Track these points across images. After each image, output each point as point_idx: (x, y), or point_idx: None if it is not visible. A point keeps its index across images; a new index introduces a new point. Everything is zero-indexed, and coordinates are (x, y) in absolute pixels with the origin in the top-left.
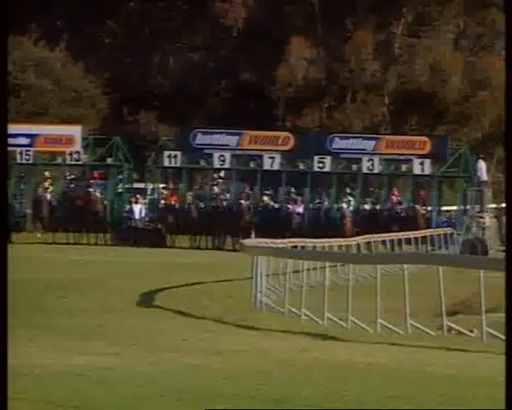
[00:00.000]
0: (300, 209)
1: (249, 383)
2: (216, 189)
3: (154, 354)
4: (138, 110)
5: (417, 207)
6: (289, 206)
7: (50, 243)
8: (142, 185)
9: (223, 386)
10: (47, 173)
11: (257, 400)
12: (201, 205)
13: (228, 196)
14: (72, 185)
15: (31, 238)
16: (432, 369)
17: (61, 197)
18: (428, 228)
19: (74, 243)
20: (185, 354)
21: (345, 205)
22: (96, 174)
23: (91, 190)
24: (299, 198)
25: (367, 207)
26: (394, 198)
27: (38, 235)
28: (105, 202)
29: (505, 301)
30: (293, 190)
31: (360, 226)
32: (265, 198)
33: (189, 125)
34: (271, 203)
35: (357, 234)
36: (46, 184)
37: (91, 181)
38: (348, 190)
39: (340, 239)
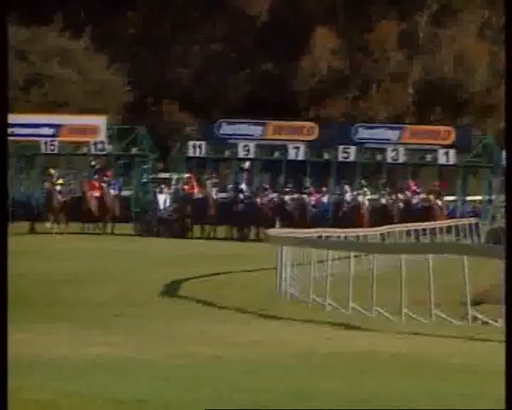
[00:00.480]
0: (313, 200)
1: (269, 374)
2: (241, 179)
3: (174, 344)
4: (161, 100)
5: (431, 197)
6: (311, 197)
7: (63, 234)
8: (166, 175)
9: (241, 377)
10: (52, 171)
11: (274, 392)
12: (224, 195)
13: (250, 187)
14: (95, 176)
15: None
16: (454, 358)
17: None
18: (446, 218)
19: (94, 234)
20: (206, 345)
21: (360, 197)
22: (108, 173)
23: (104, 185)
24: (313, 189)
25: (383, 199)
26: (411, 188)
27: (48, 225)
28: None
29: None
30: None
31: (375, 217)
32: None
33: (213, 116)
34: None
35: (373, 225)
36: (56, 181)
37: (105, 178)
38: (363, 182)
39: (365, 229)
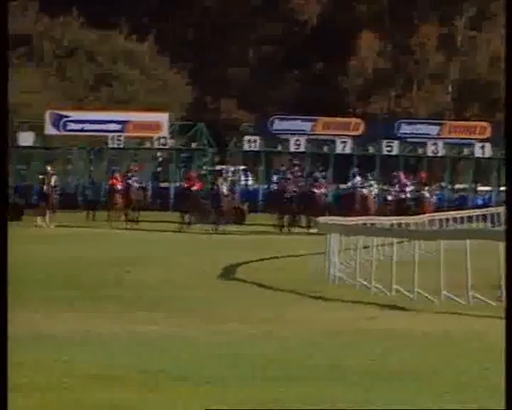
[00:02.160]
0: (323, 190)
1: (304, 351)
2: (292, 172)
3: (216, 324)
4: (220, 98)
5: (422, 190)
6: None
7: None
8: (223, 167)
9: (282, 353)
10: (49, 168)
11: (307, 366)
12: (276, 187)
13: (301, 180)
14: (159, 168)
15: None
16: (489, 337)
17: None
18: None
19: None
20: (246, 324)
21: (365, 190)
22: (132, 168)
23: (130, 181)
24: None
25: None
26: (402, 181)
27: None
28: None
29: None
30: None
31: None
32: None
33: (267, 112)
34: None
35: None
36: (52, 179)
37: (131, 173)
38: (369, 176)
39: (407, 217)
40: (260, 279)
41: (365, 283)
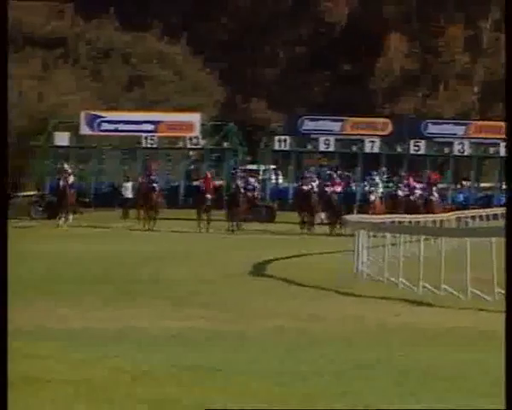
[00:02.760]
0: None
1: (334, 346)
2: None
3: (249, 319)
4: (250, 98)
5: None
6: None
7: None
8: (254, 167)
9: (312, 348)
10: (66, 166)
11: (336, 362)
12: (305, 188)
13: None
14: (191, 167)
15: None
16: None
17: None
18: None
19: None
20: (275, 319)
21: (372, 188)
22: (151, 167)
23: (154, 185)
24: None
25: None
26: (411, 184)
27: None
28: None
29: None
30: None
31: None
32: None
33: (297, 112)
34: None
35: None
36: (69, 179)
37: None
38: (375, 175)
39: (434, 215)
40: (289, 276)
41: (393, 279)
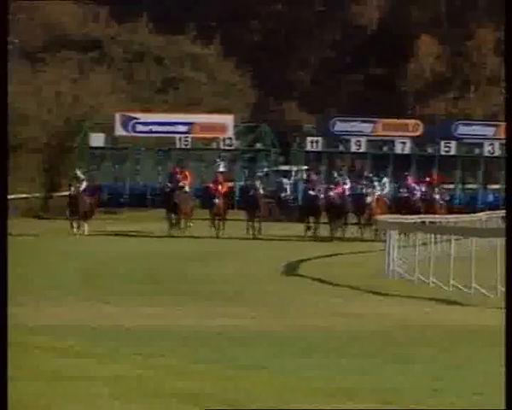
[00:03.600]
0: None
1: (370, 343)
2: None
3: (287, 317)
4: (282, 100)
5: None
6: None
7: None
8: (286, 168)
9: (352, 345)
10: (78, 172)
11: (376, 358)
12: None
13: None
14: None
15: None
16: None
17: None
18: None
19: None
20: (316, 318)
21: (369, 190)
22: (176, 169)
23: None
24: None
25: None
26: (411, 185)
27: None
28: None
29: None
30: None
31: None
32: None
33: (329, 114)
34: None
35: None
36: (82, 185)
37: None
38: (371, 175)
39: (464, 215)
40: (323, 275)
41: (423, 278)
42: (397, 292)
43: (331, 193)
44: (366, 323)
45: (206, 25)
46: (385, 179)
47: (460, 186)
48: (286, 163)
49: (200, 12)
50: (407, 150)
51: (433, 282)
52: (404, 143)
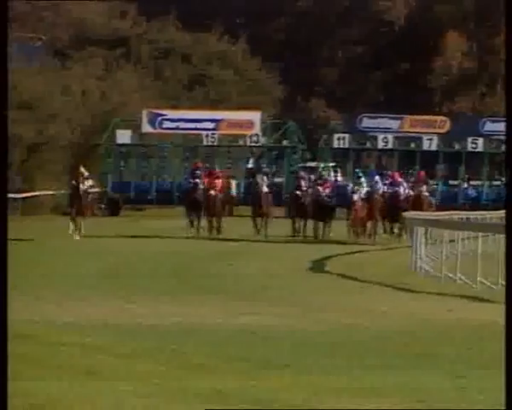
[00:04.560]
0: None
1: (396, 340)
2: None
3: (313, 313)
4: (309, 97)
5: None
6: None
7: None
8: (313, 164)
9: (378, 342)
10: (82, 169)
11: (403, 355)
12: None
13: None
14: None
15: None
16: None
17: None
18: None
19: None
20: (341, 314)
21: (356, 187)
22: (198, 164)
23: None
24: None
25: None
26: (397, 180)
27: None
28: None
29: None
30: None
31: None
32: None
33: (355, 111)
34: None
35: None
36: (86, 182)
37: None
38: (359, 172)
39: (492, 212)
40: (348, 272)
41: (451, 275)
42: (424, 289)
43: (317, 191)
44: (392, 320)
45: (233, 22)
46: (376, 178)
47: (487, 183)
48: (313, 160)
49: (227, 9)
50: (434, 147)
51: (460, 279)
52: (431, 139)
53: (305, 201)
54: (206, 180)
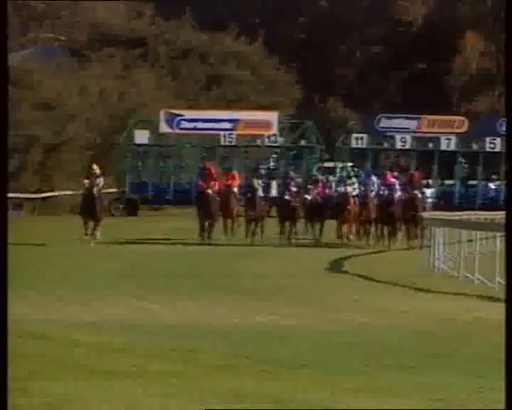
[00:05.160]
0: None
1: (414, 340)
2: None
3: (330, 313)
4: (327, 97)
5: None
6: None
7: None
8: (331, 164)
9: (395, 341)
10: (95, 167)
11: (420, 354)
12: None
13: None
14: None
15: None
16: None
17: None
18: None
19: None
20: (358, 313)
21: (349, 188)
22: (207, 165)
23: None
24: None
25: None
26: (389, 181)
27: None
28: None
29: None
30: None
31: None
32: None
33: (373, 111)
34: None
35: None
36: (98, 180)
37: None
38: (350, 171)
39: None
40: (365, 272)
41: (468, 275)
42: (442, 289)
43: (306, 195)
44: (410, 319)
45: (250, 22)
46: (373, 178)
47: (506, 183)
48: (330, 160)
49: (244, 9)
50: (452, 147)
51: (478, 279)
52: (449, 139)
53: (295, 204)
54: (218, 182)
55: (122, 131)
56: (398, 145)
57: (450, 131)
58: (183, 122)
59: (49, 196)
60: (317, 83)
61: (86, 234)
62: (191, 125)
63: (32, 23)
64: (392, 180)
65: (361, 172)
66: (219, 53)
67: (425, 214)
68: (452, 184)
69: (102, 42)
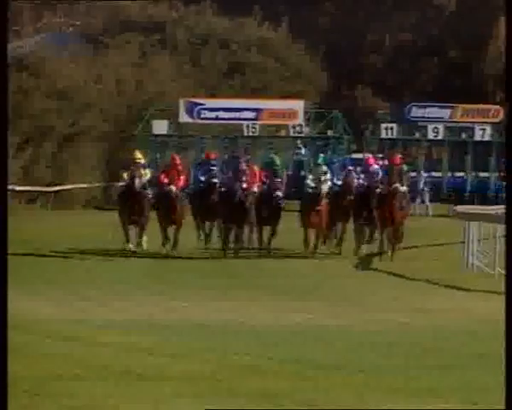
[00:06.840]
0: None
1: (454, 340)
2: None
3: (367, 312)
4: (355, 86)
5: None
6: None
7: None
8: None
9: (435, 341)
10: (138, 156)
11: (461, 354)
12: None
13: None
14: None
15: None
16: None
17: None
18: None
19: None
20: (396, 313)
21: (313, 184)
22: (212, 155)
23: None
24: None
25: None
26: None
27: None
28: None
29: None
30: None
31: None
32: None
33: (403, 100)
34: None
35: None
36: (144, 173)
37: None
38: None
39: None
40: (398, 270)
41: (504, 272)
42: (477, 287)
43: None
44: (446, 318)
45: (275, 6)
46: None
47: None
48: (359, 151)
49: None
50: (487, 137)
51: None
52: (483, 129)
53: (247, 200)
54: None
55: (140, 121)
56: (431, 135)
57: (485, 120)
58: (204, 112)
59: (63, 190)
60: (345, 71)
61: (128, 240)
62: (213, 114)
63: (45, 9)
64: (376, 167)
65: (335, 159)
66: (242, 39)
67: (459, 208)
68: (487, 177)
69: (119, 28)
